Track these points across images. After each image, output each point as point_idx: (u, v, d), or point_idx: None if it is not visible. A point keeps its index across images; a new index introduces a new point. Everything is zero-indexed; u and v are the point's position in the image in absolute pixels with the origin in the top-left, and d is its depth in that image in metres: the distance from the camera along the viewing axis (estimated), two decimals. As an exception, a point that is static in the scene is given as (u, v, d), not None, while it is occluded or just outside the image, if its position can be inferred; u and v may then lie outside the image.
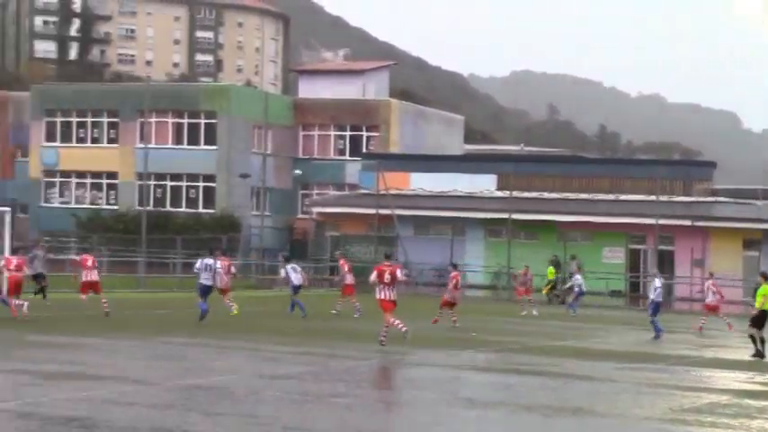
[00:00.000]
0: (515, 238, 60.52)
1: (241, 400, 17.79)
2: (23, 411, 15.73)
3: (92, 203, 73.50)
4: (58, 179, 74.97)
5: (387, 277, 26.08)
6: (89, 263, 34.95)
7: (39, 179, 74.91)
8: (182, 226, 66.57)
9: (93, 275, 34.87)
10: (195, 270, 33.63)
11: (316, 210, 69.31)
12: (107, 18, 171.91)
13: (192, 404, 17.16)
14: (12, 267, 32.22)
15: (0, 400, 16.69)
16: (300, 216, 73.97)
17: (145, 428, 14.88)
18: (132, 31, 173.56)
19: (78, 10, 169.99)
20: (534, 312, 43.43)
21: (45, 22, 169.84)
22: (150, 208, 65.17)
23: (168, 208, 70.72)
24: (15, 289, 31.97)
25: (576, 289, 46.03)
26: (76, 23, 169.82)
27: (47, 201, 74.77)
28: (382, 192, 62.75)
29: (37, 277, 38.58)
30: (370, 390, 20.01)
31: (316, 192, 74.67)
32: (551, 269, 54.15)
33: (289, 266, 38.20)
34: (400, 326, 26.28)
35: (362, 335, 30.52)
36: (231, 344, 26.53)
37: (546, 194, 65.12)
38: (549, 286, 53.70)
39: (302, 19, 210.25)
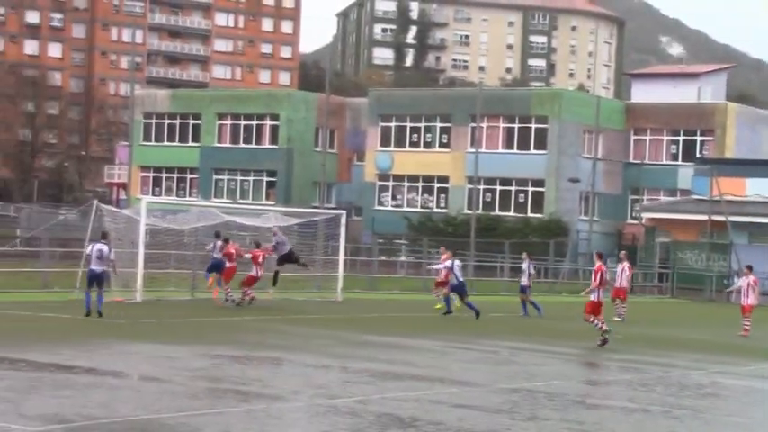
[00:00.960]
0: None
1: (566, 405, 17.70)
2: (353, 408, 16.25)
3: (423, 207, 75.06)
4: (391, 183, 77.00)
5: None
6: (260, 259, 34.82)
7: (373, 183, 77.17)
8: (510, 230, 66.95)
9: (260, 271, 34.72)
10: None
11: (646, 215, 68.06)
12: (443, 25, 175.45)
13: (518, 408, 17.23)
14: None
15: (331, 396, 17.31)
16: (630, 221, 72.87)
17: (471, 430, 15.06)
18: (467, 37, 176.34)
19: (415, 17, 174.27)
20: None
21: (383, 30, 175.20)
22: (479, 212, 65.91)
23: (497, 212, 71.27)
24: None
25: None
26: (413, 31, 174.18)
27: (380, 204, 76.95)
28: (716, 198, 60.92)
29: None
30: (702, 401, 19.42)
31: (646, 197, 73.36)
32: None
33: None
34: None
35: (694, 343, 29.75)
36: (558, 349, 26.45)
37: None
38: None
39: (638, 22, 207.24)
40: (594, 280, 27.22)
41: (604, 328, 27.06)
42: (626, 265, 38.77)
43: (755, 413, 18.73)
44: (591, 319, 27.27)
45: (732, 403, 19.68)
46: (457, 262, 35.68)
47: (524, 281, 37.66)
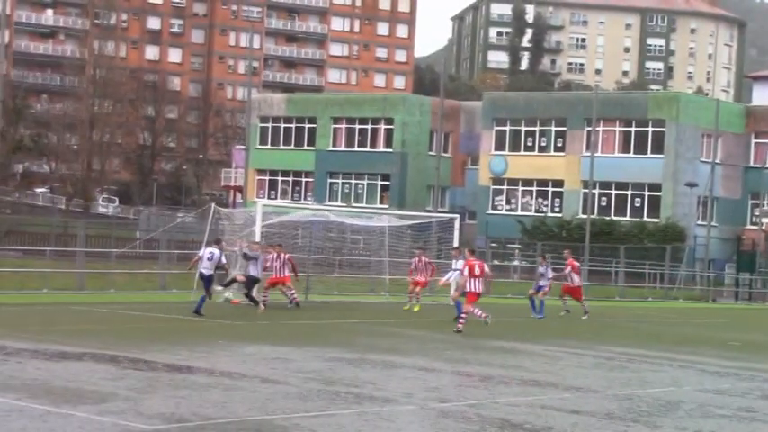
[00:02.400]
0: None
1: (683, 413, 17.49)
2: (465, 412, 16.27)
3: (537, 211, 74.67)
4: (505, 186, 76.76)
5: (476, 270, 28.75)
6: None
7: (487, 186, 77.02)
8: (625, 235, 66.27)
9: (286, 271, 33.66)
10: None
11: (766, 221, 66.81)
12: (559, 28, 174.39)
13: (632, 415, 17.07)
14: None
15: (443, 399, 17.35)
16: (749, 227, 71.57)
17: (582, 436, 14.98)
18: (583, 40, 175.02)
19: (531, 20, 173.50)
20: None
21: (499, 34, 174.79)
22: (594, 216, 65.32)
23: (612, 216, 70.57)
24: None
25: None
26: (529, 34, 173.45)
27: (494, 208, 76.75)
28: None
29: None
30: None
31: (767, 202, 71.96)
32: None
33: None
34: (480, 313, 28.76)
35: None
36: (673, 356, 26.12)
37: None
38: None
39: (760, 23, 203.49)
40: (462, 274, 29.86)
41: (483, 315, 28.81)
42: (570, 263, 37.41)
43: None
44: (472, 310, 28.81)
45: None
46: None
47: (543, 282, 36.75)
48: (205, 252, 30.08)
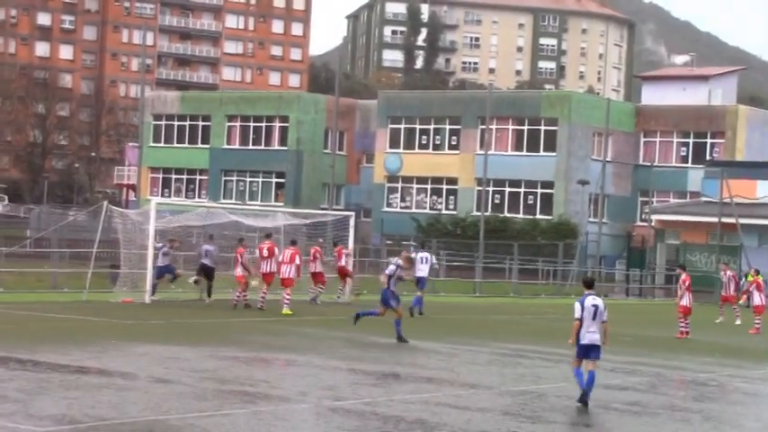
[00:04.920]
0: None
1: (571, 408, 17.72)
2: (360, 410, 16.29)
3: (431, 208, 75.09)
4: (399, 184, 77.06)
5: (265, 253, 33.18)
6: (264, 253, 33.92)
7: (382, 184, 77.24)
8: (519, 232, 66.96)
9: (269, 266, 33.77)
10: None
11: (655, 217, 68.02)
12: (453, 27, 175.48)
13: (526, 411, 17.26)
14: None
15: (338, 397, 17.35)
16: (639, 224, 72.82)
17: (476, 432, 15.10)
18: (477, 39, 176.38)
19: (426, 20, 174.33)
20: (737, 322, 38.97)
21: (394, 32, 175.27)
22: (488, 213, 65.92)
23: (506, 214, 71.27)
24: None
25: None
26: (423, 33, 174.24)
27: (389, 205, 77.00)
28: (726, 200, 60.85)
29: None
30: (708, 403, 19.45)
31: (655, 199, 73.28)
32: None
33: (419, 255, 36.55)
34: (262, 296, 33.15)
35: (702, 346, 29.74)
36: (566, 352, 26.43)
37: None
38: None
39: (648, 24, 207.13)
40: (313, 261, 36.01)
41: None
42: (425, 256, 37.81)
43: (764, 415, 18.74)
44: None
45: (740, 406, 19.69)
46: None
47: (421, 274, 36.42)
48: (202, 249, 34.64)
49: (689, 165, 73.07)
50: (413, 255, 33.57)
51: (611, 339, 21.93)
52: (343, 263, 38.74)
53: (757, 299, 37.08)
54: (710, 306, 47.32)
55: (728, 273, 40.03)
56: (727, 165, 65.95)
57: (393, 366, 21.54)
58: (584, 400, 17.70)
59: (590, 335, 18.00)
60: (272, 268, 33.46)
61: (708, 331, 35.41)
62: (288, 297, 32.63)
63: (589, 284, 18.57)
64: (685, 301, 32.68)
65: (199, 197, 79.77)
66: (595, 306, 17.99)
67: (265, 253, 33.51)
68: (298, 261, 33.27)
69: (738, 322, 38.46)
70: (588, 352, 18.11)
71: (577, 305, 18.09)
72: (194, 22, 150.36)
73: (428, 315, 34.41)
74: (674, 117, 74.39)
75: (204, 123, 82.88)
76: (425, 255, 36.77)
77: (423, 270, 35.18)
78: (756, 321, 36.44)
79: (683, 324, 32.45)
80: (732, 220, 59.32)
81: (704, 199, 66.12)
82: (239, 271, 34.47)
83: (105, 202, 38.00)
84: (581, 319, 17.96)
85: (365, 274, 47.02)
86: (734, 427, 17.40)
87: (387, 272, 26.81)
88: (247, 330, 27.51)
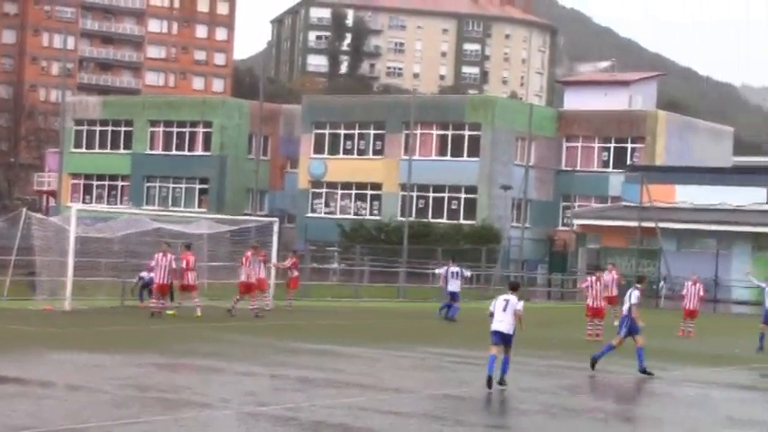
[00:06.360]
0: (786, 254, 58.28)
1: (494, 411, 17.86)
2: (283, 415, 16.27)
3: (356, 214, 75.11)
4: (324, 190, 76.98)
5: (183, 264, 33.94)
6: (191, 263, 34.64)
7: (306, 190, 77.10)
8: (442, 236, 67.20)
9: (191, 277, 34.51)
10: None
11: (577, 222, 68.65)
12: (377, 32, 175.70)
13: (448, 414, 17.35)
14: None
15: (261, 403, 17.32)
16: (561, 228, 73.44)
17: (398, 436, 15.14)
18: (401, 44, 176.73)
19: (350, 25, 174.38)
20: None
21: (318, 37, 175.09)
22: (412, 218, 66.09)
23: (429, 219, 71.51)
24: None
25: None
26: (348, 38, 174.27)
27: (313, 211, 76.87)
28: (646, 204, 61.63)
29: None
30: (627, 405, 19.70)
31: (577, 204, 73.94)
32: None
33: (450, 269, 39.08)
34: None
35: (621, 348, 30.05)
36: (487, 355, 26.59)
37: (820, 209, 62.36)
38: None
39: (570, 30, 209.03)
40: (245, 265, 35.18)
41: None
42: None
43: (686, 416, 19.00)
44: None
45: (658, 407, 19.95)
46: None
47: None
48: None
49: (610, 169, 73.80)
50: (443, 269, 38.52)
51: (534, 343, 22.21)
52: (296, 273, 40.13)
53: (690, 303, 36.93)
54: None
55: (614, 273, 39.62)
56: (647, 169, 66.78)
57: (316, 372, 21.53)
58: (488, 384, 19.78)
59: (499, 323, 20.22)
60: (193, 280, 33.89)
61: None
62: (197, 300, 33.27)
63: (513, 287, 20.84)
64: (591, 301, 33.08)
65: (121, 203, 79.02)
66: (506, 300, 20.28)
67: (183, 264, 33.74)
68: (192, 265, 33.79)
69: (617, 323, 37.81)
70: (499, 339, 20.28)
71: (493, 302, 20.53)
72: (116, 26, 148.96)
73: (353, 321, 34.45)
74: (595, 122, 75.13)
75: (126, 129, 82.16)
76: (456, 269, 39.18)
77: (454, 285, 38.56)
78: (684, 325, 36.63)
79: (591, 326, 32.74)
80: (652, 225, 60.08)
81: (624, 203, 66.91)
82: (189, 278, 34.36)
83: (24, 209, 37.54)
84: (492, 313, 20.32)
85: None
86: (653, 428, 17.64)
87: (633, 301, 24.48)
88: (169, 337, 27.33)
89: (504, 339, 20.24)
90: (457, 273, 38.84)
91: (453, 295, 38.45)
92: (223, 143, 79.45)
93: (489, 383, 19.81)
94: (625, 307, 24.20)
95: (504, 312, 20.13)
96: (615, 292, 37.71)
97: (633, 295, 24.01)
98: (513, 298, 20.30)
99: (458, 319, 37.26)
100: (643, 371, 23.53)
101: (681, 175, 67.06)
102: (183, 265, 33.80)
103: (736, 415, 19.26)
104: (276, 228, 40.62)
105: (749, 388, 23.33)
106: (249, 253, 35.88)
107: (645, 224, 60.52)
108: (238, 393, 18.13)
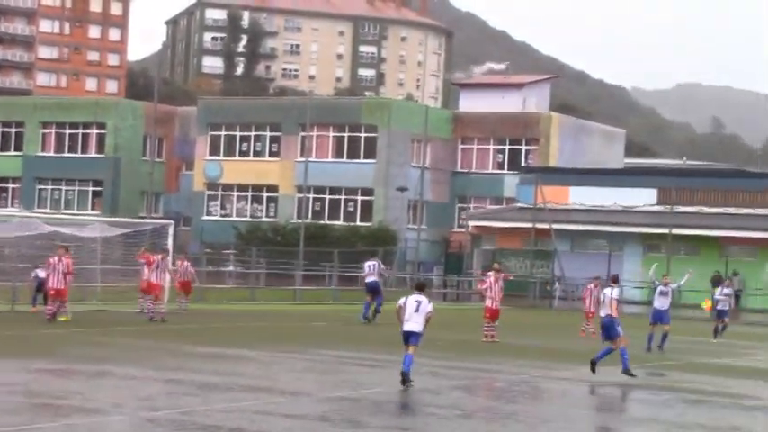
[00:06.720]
0: (675, 254, 59.42)
1: (390, 412, 17.92)
2: (178, 420, 16.14)
3: (252, 216, 74.79)
4: (219, 192, 76.50)
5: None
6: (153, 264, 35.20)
7: (202, 192, 76.58)
8: (338, 239, 67.22)
9: (153, 277, 35.18)
10: None
11: (472, 223, 69.21)
12: (273, 34, 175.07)
13: (343, 416, 17.37)
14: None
15: (155, 408, 17.15)
16: (456, 229, 73.93)
17: (293, 439, 15.12)
18: (297, 46, 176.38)
19: (246, 26, 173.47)
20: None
21: (214, 39, 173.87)
22: (308, 221, 65.99)
23: (326, 221, 71.50)
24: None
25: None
26: (244, 39, 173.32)
27: (209, 213, 76.39)
28: (540, 206, 62.37)
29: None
30: (521, 405, 19.92)
31: (473, 205, 74.52)
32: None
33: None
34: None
35: (516, 349, 30.38)
36: (383, 357, 26.70)
37: (707, 209, 63.77)
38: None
39: (466, 33, 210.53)
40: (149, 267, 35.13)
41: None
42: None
43: (572, 414, 19.26)
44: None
45: (549, 405, 20.21)
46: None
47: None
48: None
49: (505, 171, 74.48)
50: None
51: (428, 344, 22.30)
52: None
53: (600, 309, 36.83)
54: (523, 310, 48.52)
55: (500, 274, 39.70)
56: (541, 171, 67.61)
57: (211, 376, 21.39)
58: (403, 380, 20.69)
59: (410, 324, 21.07)
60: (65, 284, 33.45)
61: (520, 334, 36.20)
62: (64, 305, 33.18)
63: (419, 287, 21.81)
64: (489, 302, 33.33)
65: (11, 206, 77.61)
66: (418, 302, 21.11)
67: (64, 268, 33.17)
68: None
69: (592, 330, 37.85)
70: (409, 337, 21.12)
71: (402, 299, 21.35)
72: (6, 26, 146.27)
73: (249, 323, 34.27)
74: (490, 124, 75.78)
75: (17, 130, 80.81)
76: (372, 263, 39.69)
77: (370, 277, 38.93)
78: (585, 326, 36.84)
79: (488, 328, 32.99)
80: (546, 226, 60.82)
81: (519, 205, 67.66)
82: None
83: None
84: (403, 306, 21.13)
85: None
86: (545, 427, 17.84)
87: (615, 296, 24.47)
88: (62, 342, 26.92)
89: (413, 338, 21.12)
90: (373, 266, 39.09)
91: (370, 288, 38.58)
92: (117, 145, 78.56)
93: (404, 380, 20.70)
94: (606, 309, 24.02)
95: (416, 313, 21.04)
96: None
97: (615, 292, 24.13)
98: (424, 299, 21.19)
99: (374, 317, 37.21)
100: (626, 372, 23.85)
101: (574, 176, 68.04)
102: (63, 268, 33.17)
103: (632, 414, 19.59)
104: (171, 230, 40.27)
105: (641, 387, 23.72)
106: (159, 257, 35.67)
107: (539, 225, 61.27)
108: (132, 398, 17.93)
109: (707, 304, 51.75)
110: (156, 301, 34.98)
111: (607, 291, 24.56)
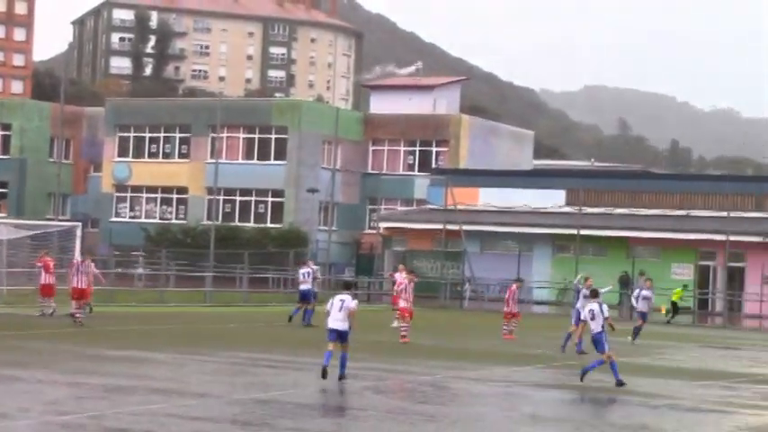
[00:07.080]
0: (583, 254, 60.10)
1: (302, 414, 17.88)
2: (85, 424, 15.94)
3: (161, 218, 74.18)
4: (128, 194, 75.77)
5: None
6: (51, 268, 35.33)
7: (110, 194, 75.78)
8: (249, 240, 66.93)
9: (51, 279, 35.58)
10: None
11: (383, 224, 69.36)
12: (182, 35, 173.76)
13: (254, 418, 17.29)
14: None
15: (63, 412, 16.92)
16: (367, 231, 74.03)
17: (204, 442, 15.02)
18: (206, 47, 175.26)
19: (154, 27, 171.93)
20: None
21: (121, 39, 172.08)
22: (219, 222, 65.61)
23: (237, 222, 71.17)
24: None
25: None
26: (152, 40, 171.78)
27: (117, 215, 75.61)
28: (450, 207, 62.68)
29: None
30: (432, 405, 19.99)
31: (384, 206, 74.68)
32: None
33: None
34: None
35: (426, 350, 30.49)
36: (294, 359, 26.64)
37: (615, 210, 64.65)
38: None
39: (375, 35, 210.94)
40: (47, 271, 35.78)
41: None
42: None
43: (483, 414, 19.38)
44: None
45: (459, 406, 20.31)
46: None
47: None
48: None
49: (415, 173, 74.80)
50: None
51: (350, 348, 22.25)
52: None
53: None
54: (434, 311, 48.63)
55: (404, 273, 39.69)
56: (451, 173, 67.98)
57: (120, 379, 21.16)
58: (323, 375, 21.35)
59: (336, 322, 21.72)
60: None
61: (431, 335, 36.34)
62: None
63: (346, 286, 22.97)
64: (403, 303, 33.42)
65: None
66: (342, 300, 21.81)
67: None
68: None
69: (395, 324, 37.92)
70: (335, 336, 21.79)
71: (330, 300, 22.08)
72: None
73: (158, 326, 33.94)
74: (400, 126, 76.03)
75: None
76: (306, 270, 39.26)
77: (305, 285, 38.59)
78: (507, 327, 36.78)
79: (405, 327, 33.08)
80: (456, 227, 61.14)
81: (430, 206, 67.96)
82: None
83: None
84: (329, 308, 21.90)
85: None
86: (456, 427, 17.93)
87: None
88: (-34, 346, 26.45)
89: (340, 336, 21.67)
90: (308, 273, 38.63)
91: (304, 296, 38.13)
92: (23, 146, 77.48)
93: (324, 374, 21.32)
94: (597, 323, 23.59)
95: (340, 312, 21.62)
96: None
97: (605, 309, 23.71)
98: (347, 297, 21.77)
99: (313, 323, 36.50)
100: (619, 383, 23.24)
101: (484, 178, 68.54)
102: None
103: (541, 414, 19.75)
104: (79, 232, 39.83)
105: (553, 387, 23.95)
106: (79, 260, 35.26)
107: (449, 227, 61.56)
108: (39, 402, 17.67)
109: (664, 309, 52.28)
110: (79, 304, 34.44)
111: (595, 307, 23.79)
